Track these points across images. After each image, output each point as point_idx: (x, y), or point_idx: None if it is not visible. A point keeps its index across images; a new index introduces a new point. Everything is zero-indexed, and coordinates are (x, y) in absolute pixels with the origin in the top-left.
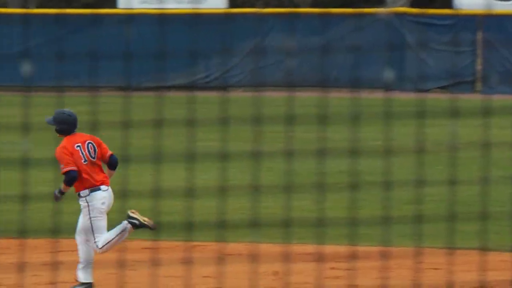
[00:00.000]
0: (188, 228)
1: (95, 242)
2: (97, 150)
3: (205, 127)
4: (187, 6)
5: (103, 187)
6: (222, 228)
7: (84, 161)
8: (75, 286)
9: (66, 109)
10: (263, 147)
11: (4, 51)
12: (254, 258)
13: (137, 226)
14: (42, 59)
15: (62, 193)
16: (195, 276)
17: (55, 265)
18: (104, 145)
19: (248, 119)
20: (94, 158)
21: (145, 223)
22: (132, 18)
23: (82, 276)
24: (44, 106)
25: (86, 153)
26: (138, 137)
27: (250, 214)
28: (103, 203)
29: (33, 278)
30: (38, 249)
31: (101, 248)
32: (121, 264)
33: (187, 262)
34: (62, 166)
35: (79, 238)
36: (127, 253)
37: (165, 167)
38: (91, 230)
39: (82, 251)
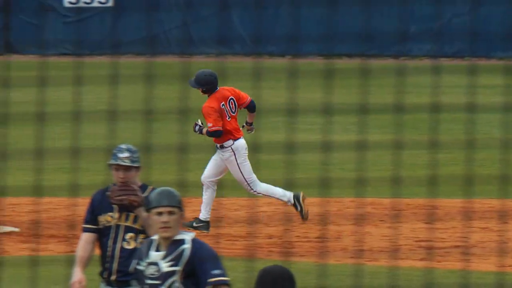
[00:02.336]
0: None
1: (248, 184)
2: (236, 104)
3: None
4: None
5: (241, 137)
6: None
7: (228, 118)
8: (194, 221)
9: (206, 70)
10: None
11: None
12: None
13: (296, 209)
14: None
15: (201, 133)
16: None
17: None
18: (243, 94)
19: None
20: (234, 113)
21: (303, 214)
22: None
23: (203, 215)
24: None
25: (229, 109)
26: None
27: None
28: (246, 148)
29: None
30: None
31: (255, 191)
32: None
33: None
34: (210, 124)
35: (208, 182)
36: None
37: None
38: (242, 175)
39: (207, 195)
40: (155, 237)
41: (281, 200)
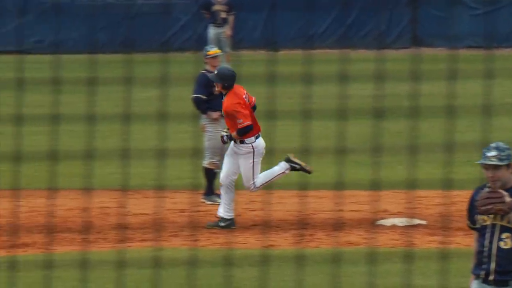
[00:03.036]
0: None
1: (253, 182)
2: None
3: None
4: None
5: (260, 134)
6: None
7: (249, 112)
8: (215, 222)
9: (228, 66)
10: None
11: None
12: None
13: (297, 169)
14: None
15: (231, 139)
16: None
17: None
18: (250, 96)
19: None
20: (250, 106)
21: (305, 167)
22: None
23: (224, 213)
24: None
25: (248, 103)
26: None
27: None
28: (264, 148)
29: None
30: None
31: (257, 187)
32: None
33: None
34: (240, 121)
35: (227, 181)
36: None
37: None
38: (252, 173)
39: (225, 193)
40: None
41: (281, 175)
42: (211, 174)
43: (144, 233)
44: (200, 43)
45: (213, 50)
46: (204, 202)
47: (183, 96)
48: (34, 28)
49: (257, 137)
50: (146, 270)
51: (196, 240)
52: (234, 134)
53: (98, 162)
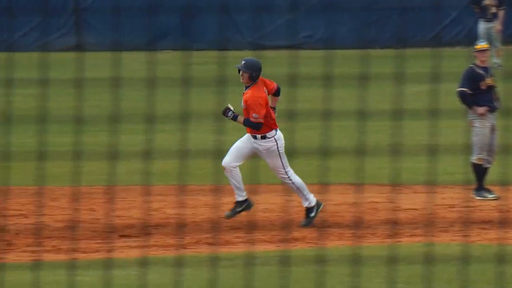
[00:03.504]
0: None
1: (286, 172)
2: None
3: None
4: None
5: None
6: None
7: (268, 105)
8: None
9: (254, 58)
10: None
11: None
12: None
13: (308, 215)
14: None
15: (235, 120)
16: None
17: None
18: (269, 81)
19: None
20: (271, 92)
21: (309, 222)
22: None
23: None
24: None
25: (268, 101)
26: None
27: None
28: (284, 139)
29: None
30: None
31: (292, 181)
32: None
33: None
34: (257, 116)
35: (230, 167)
36: None
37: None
38: (282, 164)
39: (231, 178)
40: None
41: (302, 199)
42: (480, 170)
43: (413, 229)
44: (470, 38)
45: (481, 44)
46: (474, 198)
47: (454, 91)
48: (304, 23)
49: (277, 130)
50: (416, 266)
51: (466, 236)
52: (241, 118)
53: (368, 157)
